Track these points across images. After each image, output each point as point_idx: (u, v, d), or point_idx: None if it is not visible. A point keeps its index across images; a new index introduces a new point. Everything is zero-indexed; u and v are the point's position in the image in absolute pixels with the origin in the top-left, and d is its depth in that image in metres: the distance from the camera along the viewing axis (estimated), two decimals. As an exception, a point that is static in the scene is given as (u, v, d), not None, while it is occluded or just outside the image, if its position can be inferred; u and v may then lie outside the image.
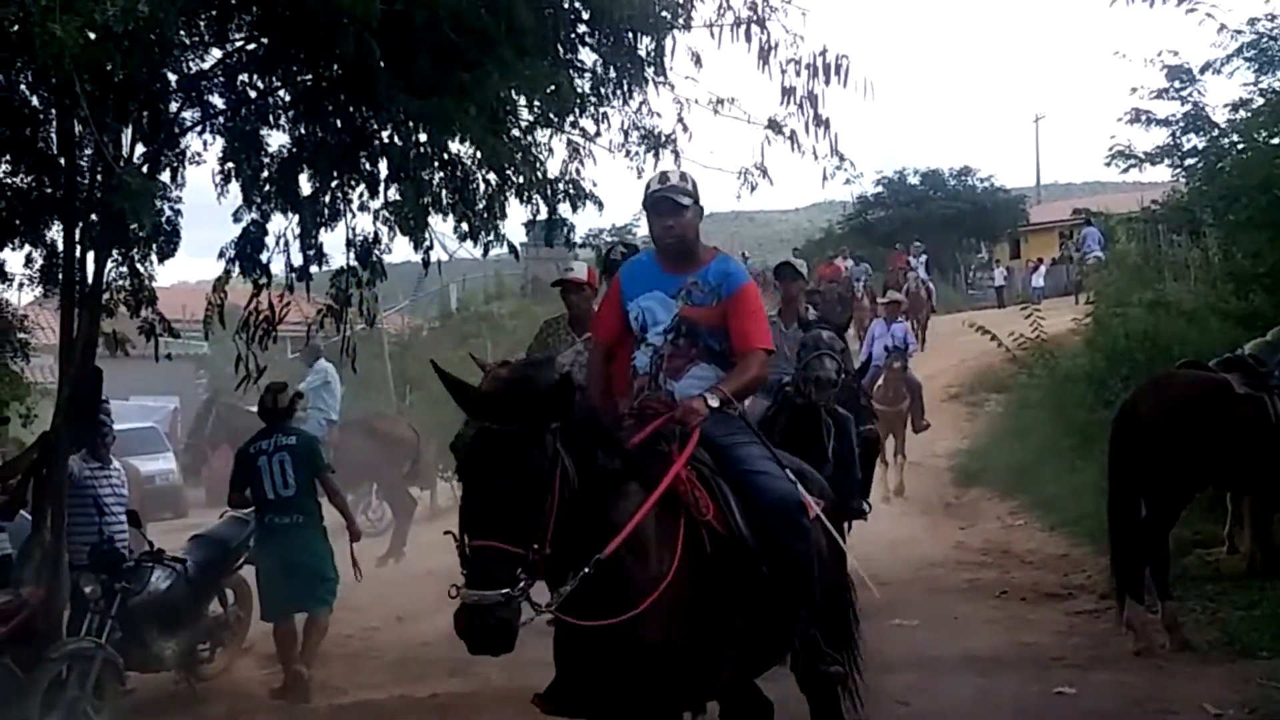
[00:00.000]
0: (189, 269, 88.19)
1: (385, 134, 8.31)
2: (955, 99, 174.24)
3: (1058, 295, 32.24)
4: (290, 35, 7.62)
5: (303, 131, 8.43)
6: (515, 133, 8.63)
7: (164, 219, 8.09)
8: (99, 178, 7.82)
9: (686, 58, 8.62)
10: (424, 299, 36.43)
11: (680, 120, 8.84)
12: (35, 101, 8.05)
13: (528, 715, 4.81)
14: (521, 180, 8.64)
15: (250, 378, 8.96)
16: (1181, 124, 14.19)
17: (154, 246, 8.27)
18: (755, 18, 8.26)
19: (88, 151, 7.96)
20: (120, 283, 8.60)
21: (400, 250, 9.17)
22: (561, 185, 8.90)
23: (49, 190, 8.23)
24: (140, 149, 8.13)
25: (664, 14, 8.21)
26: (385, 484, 16.37)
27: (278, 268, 8.76)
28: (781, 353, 9.22)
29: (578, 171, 8.99)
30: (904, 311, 19.86)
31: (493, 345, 24.66)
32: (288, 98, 8.41)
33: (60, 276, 8.34)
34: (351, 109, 8.15)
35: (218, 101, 8.43)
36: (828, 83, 8.24)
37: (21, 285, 8.95)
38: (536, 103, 8.44)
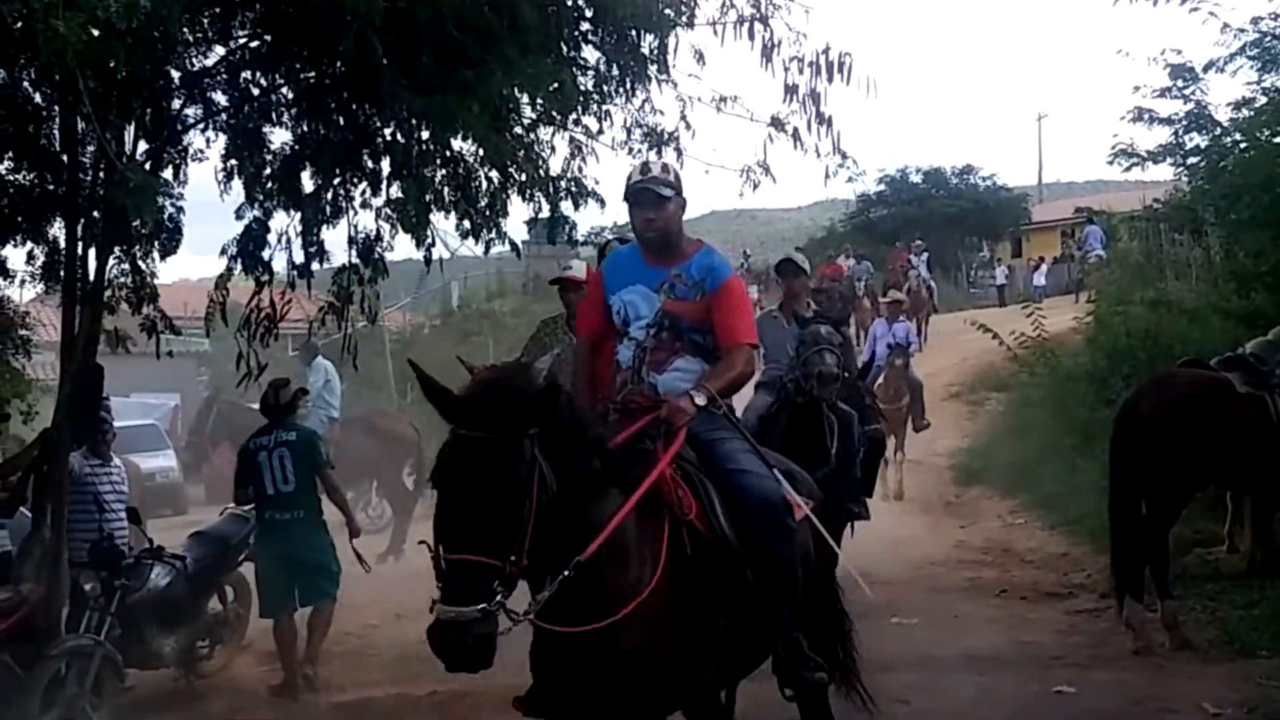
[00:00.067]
0: (191, 266, 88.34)
1: (388, 131, 8.32)
2: (958, 97, 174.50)
3: (1059, 294, 32.24)
4: (293, 32, 7.63)
5: (305, 129, 8.44)
6: (518, 130, 8.64)
7: (166, 216, 8.10)
8: (101, 174, 7.82)
9: (689, 55, 8.64)
10: (426, 296, 36.47)
11: (683, 118, 8.87)
12: (38, 98, 8.06)
13: (528, 715, 4.79)
14: (524, 178, 8.64)
15: (251, 375, 8.96)
16: (1184, 123, 14.18)
17: (156, 243, 8.28)
18: (758, 15, 8.27)
19: (90, 148, 7.96)
20: (122, 280, 8.62)
21: (402, 248, 9.22)
22: (564, 183, 8.91)
23: (51, 187, 8.24)
24: (143, 146, 8.14)
25: (667, 11, 8.22)
26: (385, 481, 16.36)
27: (279, 265, 8.79)
28: (784, 349, 9.24)
29: (580, 169, 9.02)
30: (905, 311, 19.85)
31: (494, 343, 24.68)
32: (290, 95, 8.42)
33: (62, 273, 8.34)
34: (354, 106, 8.15)
35: (220, 98, 8.45)
36: (830, 80, 8.24)
37: (23, 282, 8.98)
38: (539, 100, 8.45)
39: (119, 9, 5.99)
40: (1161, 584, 8.67)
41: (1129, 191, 28.02)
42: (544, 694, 4.48)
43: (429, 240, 8.58)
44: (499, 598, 3.86)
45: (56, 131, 8.07)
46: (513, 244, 9.35)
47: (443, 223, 8.81)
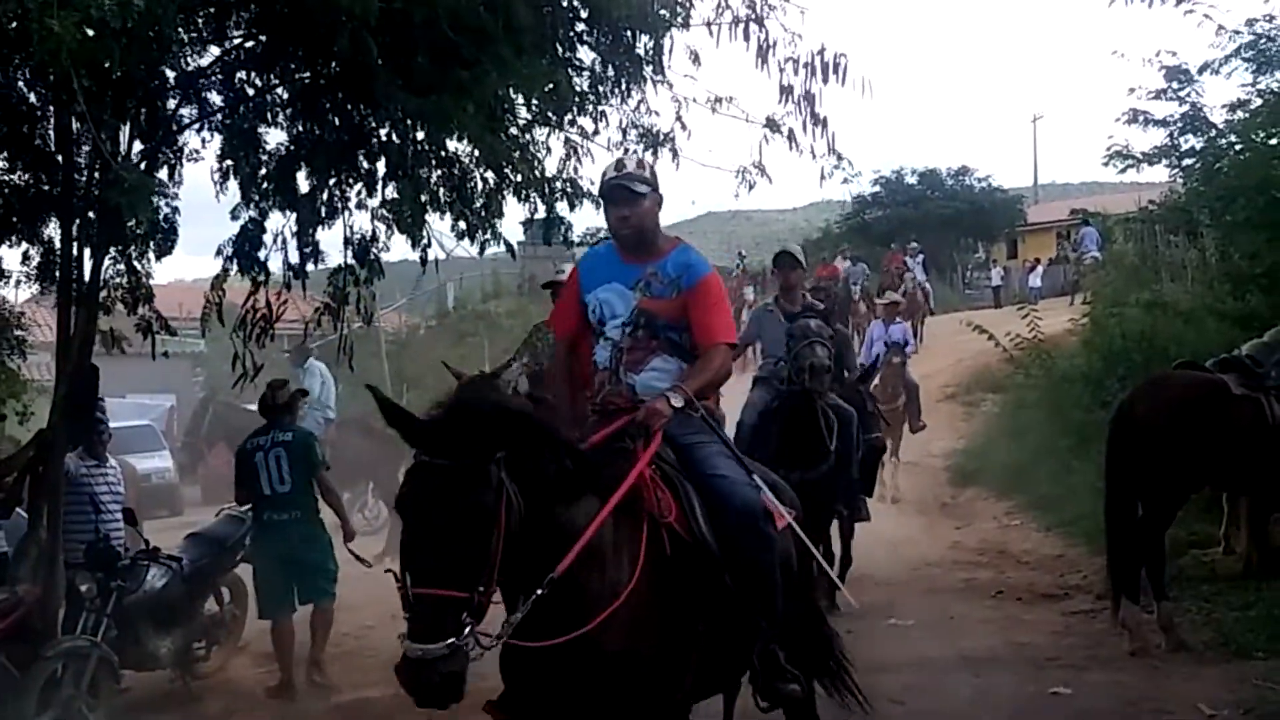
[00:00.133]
0: (186, 267, 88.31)
1: (383, 132, 8.30)
2: (953, 99, 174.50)
3: (1055, 295, 32.24)
4: (288, 33, 7.61)
5: (300, 129, 8.42)
6: (513, 131, 8.62)
7: (161, 216, 8.08)
8: (96, 174, 7.81)
9: (685, 56, 8.62)
10: (421, 297, 36.50)
11: (678, 118, 8.85)
12: (33, 98, 8.03)
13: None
14: (519, 179, 8.63)
15: (247, 376, 8.95)
16: (1179, 124, 14.21)
17: (151, 244, 8.27)
18: (754, 16, 8.25)
19: (85, 148, 7.94)
20: (117, 280, 8.60)
21: (398, 249, 9.16)
22: (559, 184, 8.90)
23: (46, 187, 8.22)
24: (138, 146, 8.11)
25: (662, 12, 8.20)
26: (382, 482, 16.34)
27: (275, 266, 8.76)
28: (781, 343, 9.26)
29: (575, 170, 9.00)
30: (901, 312, 19.87)
31: (489, 344, 24.68)
32: (286, 95, 8.41)
33: (57, 274, 8.33)
34: (349, 107, 8.14)
35: (216, 99, 8.43)
36: (826, 81, 8.22)
37: (19, 282, 8.95)
38: (535, 101, 8.43)
39: (113, 8, 5.98)
40: (1157, 585, 8.67)
41: (1124, 193, 28.06)
42: (518, 699, 4.41)
43: (425, 241, 8.57)
44: (468, 630, 3.78)
45: (51, 131, 8.04)
46: (508, 245, 9.34)
47: (438, 223, 8.79)
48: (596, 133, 8.88)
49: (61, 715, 7.74)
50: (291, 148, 8.41)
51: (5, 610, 7.85)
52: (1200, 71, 13.99)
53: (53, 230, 8.43)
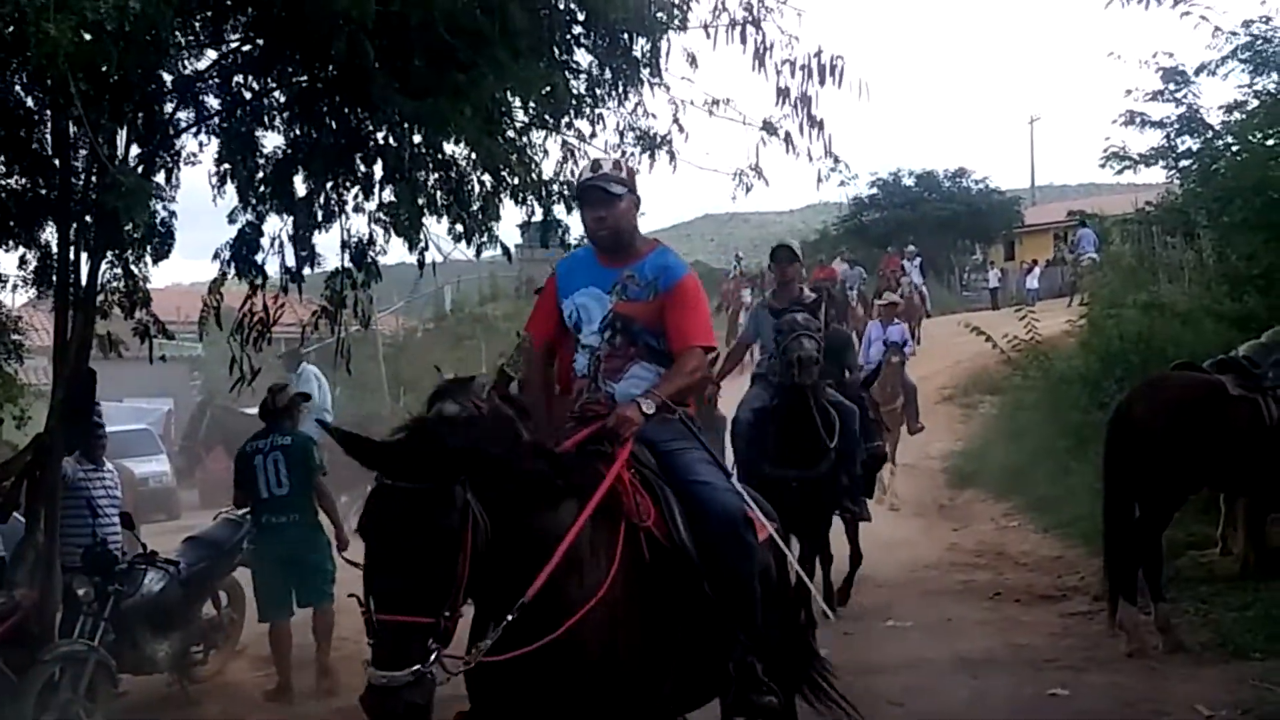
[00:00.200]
0: (183, 270, 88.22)
1: (380, 135, 8.30)
2: (950, 100, 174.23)
3: (1052, 297, 32.30)
4: (285, 36, 7.61)
5: (298, 133, 8.42)
6: (510, 134, 8.62)
7: (158, 220, 8.10)
8: (93, 178, 7.80)
9: (682, 59, 8.60)
10: (419, 300, 36.52)
11: (676, 121, 8.83)
12: (30, 102, 8.02)
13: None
14: (516, 181, 8.63)
15: (245, 380, 8.95)
16: (1176, 126, 14.25)
17: (148, 247, 8.27)
18: (751, 19, 8.24)
19: (82, 152, 7.92)
20: (114, 284, 8.58)
21: (395, 252, 9.15)
22: (556, 186, 8.90)
23: (43, 191, 8.20)
24: (135, 150, 8.10)
25: (659, 15, 8.20)
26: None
27: (273, 269, 8.77)
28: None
29: (572, 173, 8.98)
30: (900, 314, 19.88)
31: (487, 347, 24.68)
32: (283, 99, 8.40)
33: (54, 278, 8.31)
34: (346, 110, 8.14)
35: (213, 102, 8.41)
36: (822, 84, 8.22)
37: (16, 287, 8.92)
38: (531, 104, 8.43)
39: (110, 11, 5.98)
40: (1155, 586, 8.67)
41: (1121, 194, 28.06)
42: (490, 712, 4.30)
43: (422, 244, 8.57)
44: (433, 656, 3.68)
45: (48, 135, 8.03)
46: (505, 248, 9.34)
47: (435, 226, 8.78)
48: (594, 135, 8.89)
49: (59, 719, 7.73)
50: (289, 151, 8.41)
51: (2, 614, 7.84)
52: (1197, 73, 14.04)
53: (50, 234, 8.41)
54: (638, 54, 8.35)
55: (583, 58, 8.55)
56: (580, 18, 8.19)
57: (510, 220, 9.57)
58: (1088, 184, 60.73)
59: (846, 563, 10.73)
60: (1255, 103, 13.66)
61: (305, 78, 8.16)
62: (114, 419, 11.72)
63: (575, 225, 8.76)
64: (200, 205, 8.71)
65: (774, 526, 5.01)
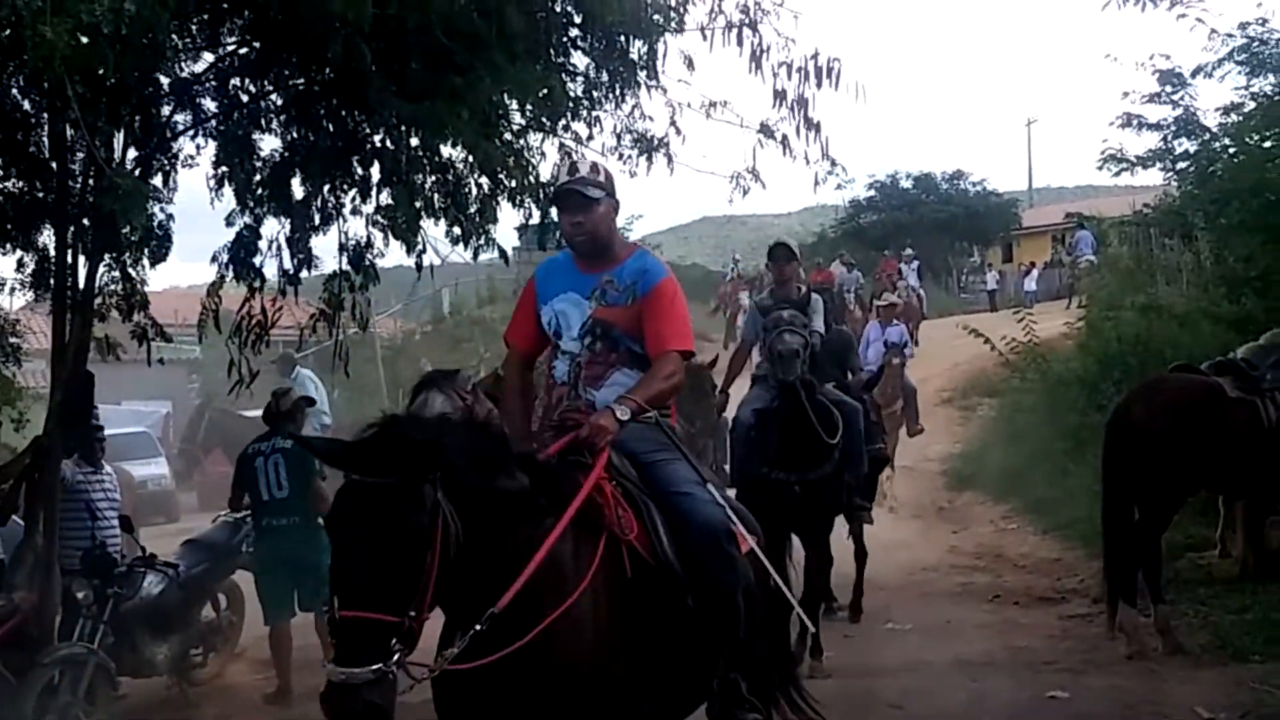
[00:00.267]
0: (181, 273, 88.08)
1: (377, 138, 8.30)
2: (947, 103, 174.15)
3: (1050, 299, 32.32)
4: (282, 39, 7.62)
5: (295, 135, 8.43)
6: (507, 136, 8.63)
7: (156, 223, 8.10)
8: (91, 181, 7.80)
9: (679, 61, 8.59)
10: (417, 303, 36.52)
11: (673, 123, 8.84)
12: (27, 105, 8.03)
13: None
14: (514, 184, 8.64)
15: (243, 382, 8.95)
16: (1173, 128, 14.25)
17: (146, 250, 8.28)
18: (747, 21, 8.24)
19: (79, 155, 7.92)
20: (112, 287, 8.58)
21: (393, 254, 9.15)
22: (553, 189, 8.89)
23: (41, 194, 8.20)
24: (132, 152, 8.11)
25: (656, 18, 8.21)
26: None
27: (270, 272, 8.78)
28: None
29: (570, 175, 8.98)
30: (899, 315, 19.86)
31: (485, 349, 24.67)
32: (280, 101, 8.41)
33: (52, 281, 8.31)
34: (343, 113, 8.14)
35: (210, 105, 8.42)
36: (819, 86, 8.22)
37: (13, 290, 8.93)
38: (528, 106, 8.44)
39: (107, 14, 5.98)
40: (1154, 589, 8.68)
41: (1119, 196, 28.05)
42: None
43: (419, 247, 8.59)
44: (396, 657, 3.58)
45: (45, 138, 8.03)
46: (502, 250, 9.36)
47: (433, 229, 8.79)
48: (591, 138, 8.89)
49: (58, 721, 7.74)
50: (286, 154, 8.42)
51: (1, 617, 7.86)
52: (1194, 75, 14.06)
53: (47, 237, 8.41)
54: (635, 56, 8.36)
55: (580, 60, 8.57)
56: (577, 20, 8.20)
57: (508, 223, 9.58)
58: (1085, 186, 60.77)
59: (846, 564, 10.70)
60: (1252, 104, 13.69)
61: (302, 81, 8.17)
62: (112, 422, 11.71)
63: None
64: (198, 208, 8.72)
65: (755, 540, 4.88)
